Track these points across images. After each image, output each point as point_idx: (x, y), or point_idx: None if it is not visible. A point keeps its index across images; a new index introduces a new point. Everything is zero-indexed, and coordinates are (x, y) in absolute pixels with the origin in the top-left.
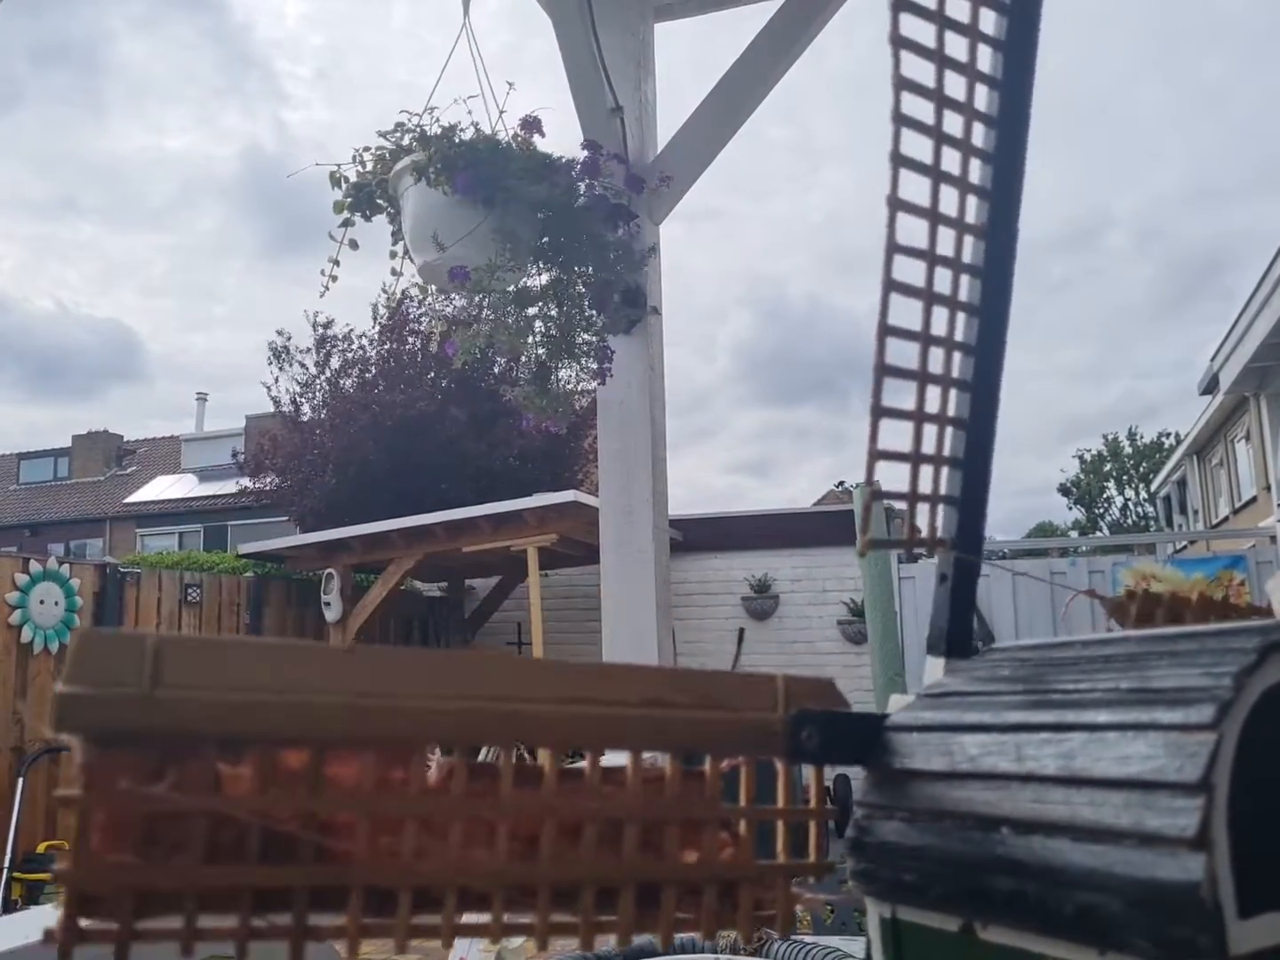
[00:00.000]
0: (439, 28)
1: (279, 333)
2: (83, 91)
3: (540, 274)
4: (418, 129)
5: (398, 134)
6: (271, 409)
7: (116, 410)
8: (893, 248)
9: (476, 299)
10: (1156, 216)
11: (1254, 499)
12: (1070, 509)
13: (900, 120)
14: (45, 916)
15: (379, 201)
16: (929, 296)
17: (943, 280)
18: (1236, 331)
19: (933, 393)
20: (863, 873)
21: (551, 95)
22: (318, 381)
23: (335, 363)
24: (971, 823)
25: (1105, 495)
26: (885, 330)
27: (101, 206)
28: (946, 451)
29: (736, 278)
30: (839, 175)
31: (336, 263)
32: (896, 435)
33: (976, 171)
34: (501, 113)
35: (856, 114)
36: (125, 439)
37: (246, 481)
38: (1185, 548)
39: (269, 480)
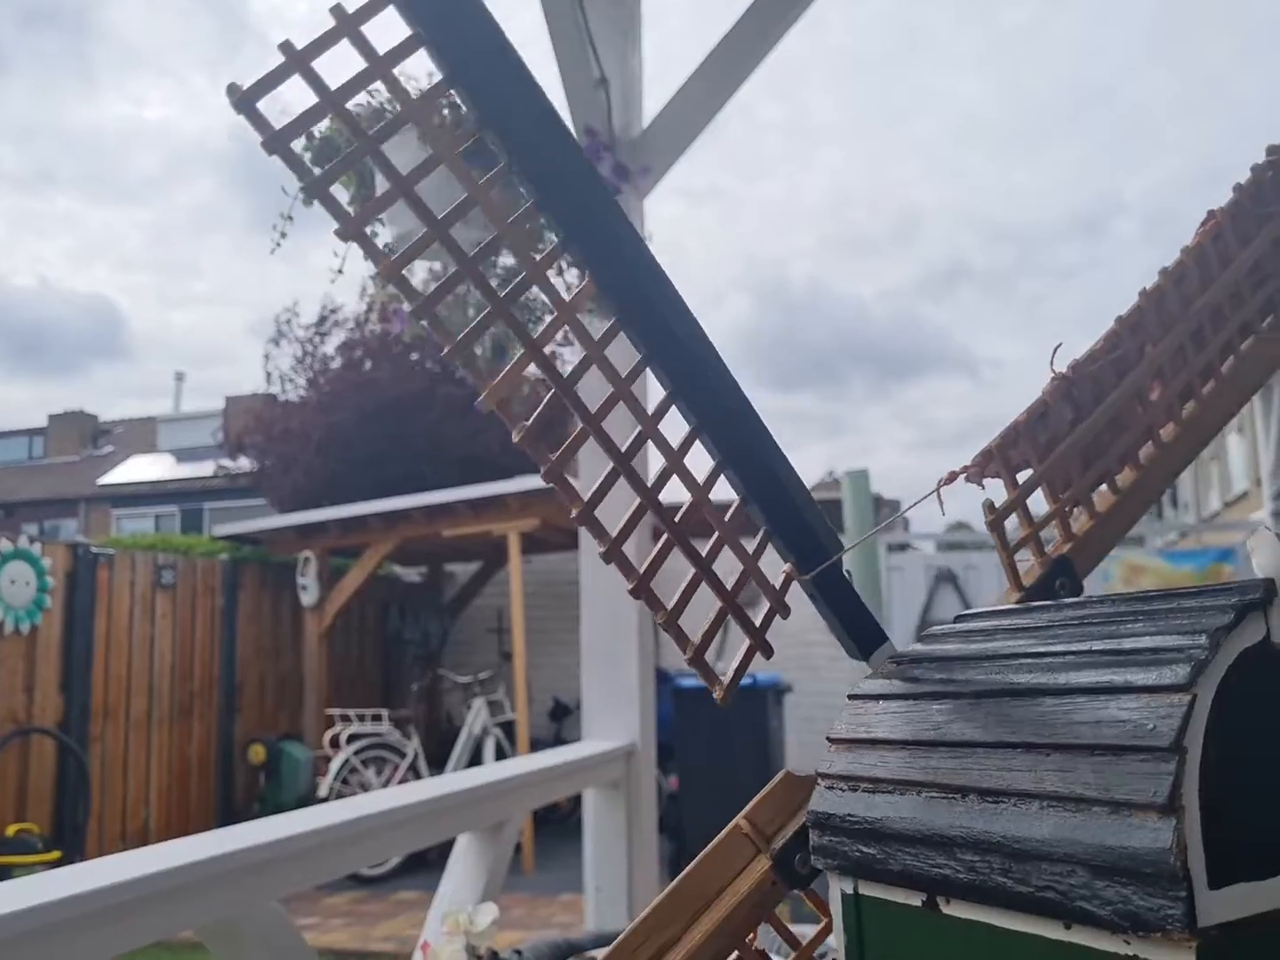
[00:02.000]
0: None
1: (287, 308)
2: (69, 59)
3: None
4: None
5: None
6: (258, 387)
7: (97, 388)
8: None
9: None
10: (1166, 204)
11: (1245, 493)
12: None
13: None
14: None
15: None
16: (563, 388)
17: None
18: None
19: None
20: (824, 848)
21: (540, 68)
22: (310, 360)
23: (330, 344)
24: (936, 793)
25: None
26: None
27: (79, 178)
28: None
29: (735, 260)
30: (840, 155)
31: (289, 218)
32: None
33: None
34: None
35: (856, 93)
36: (101, 419)
37: (226, 463)
38: (1176, 540)
39: (251, 457)
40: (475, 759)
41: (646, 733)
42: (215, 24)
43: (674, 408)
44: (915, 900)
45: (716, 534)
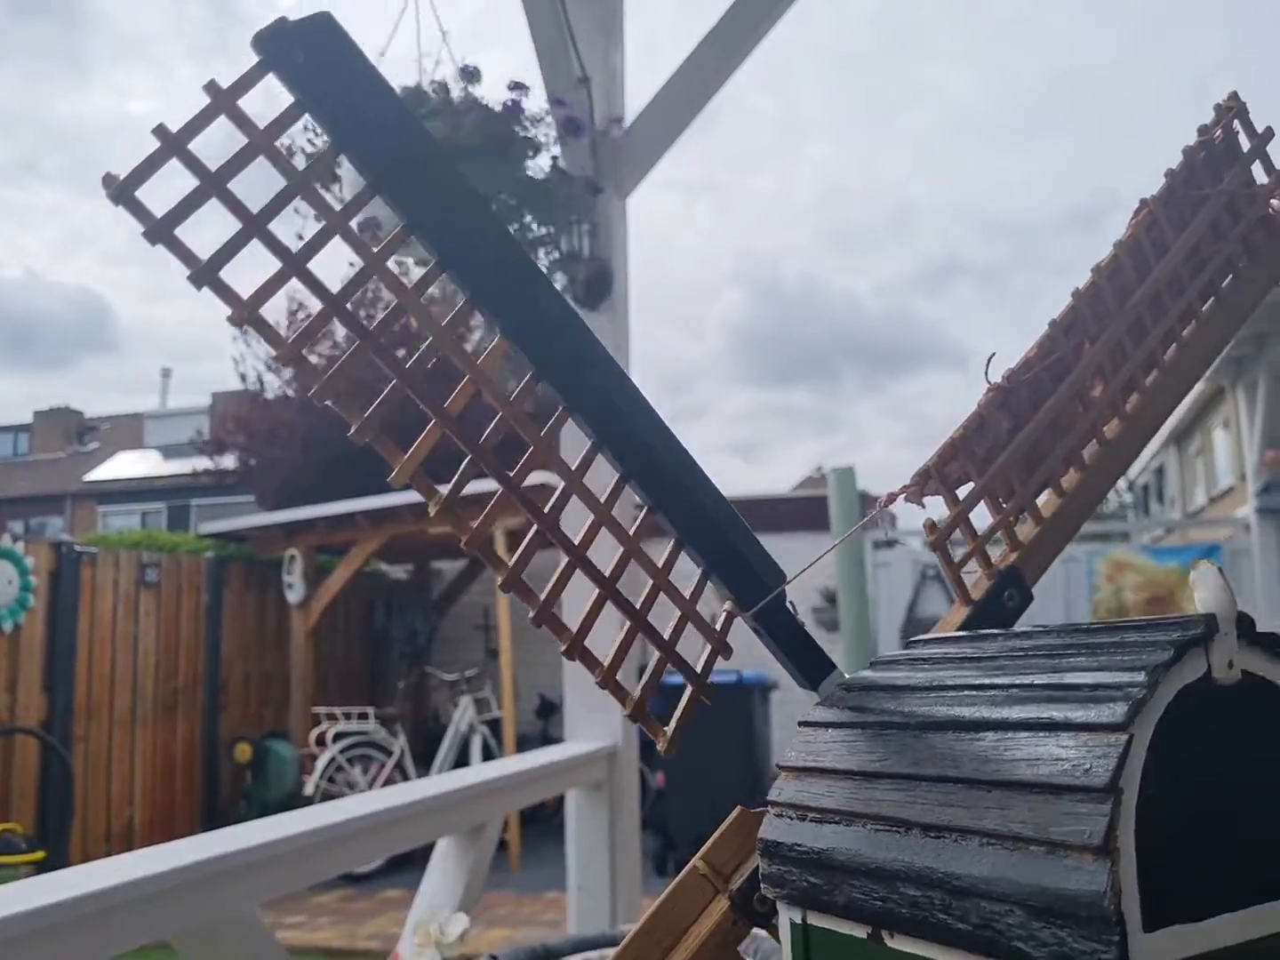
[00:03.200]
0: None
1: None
2: (57, 48)
3: None
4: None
5: None
6: (238, 384)
7: (83, 383)
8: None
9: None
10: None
11: (1230, 489)
12: None
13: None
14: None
15: (338, 172)
16: (480, 452)
17: None
18: None
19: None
20: (773, 876)
21: (520, 67)
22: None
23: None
24: (880, 826)
25: None
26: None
27: (65, 170)
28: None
29: (728, 255)
30: (833, 149)
31: (300, 237)
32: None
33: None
34: (436, 63)
35: (847, 86)
36: (87, 415)
37: (207, 463)
38: (1161, 536)
39: (235, 455)
40: (462, 757)
41: (629, 732)
42: (206, 13)
43: (599, 457)
44: (861, 932)
45: (651, 582)
